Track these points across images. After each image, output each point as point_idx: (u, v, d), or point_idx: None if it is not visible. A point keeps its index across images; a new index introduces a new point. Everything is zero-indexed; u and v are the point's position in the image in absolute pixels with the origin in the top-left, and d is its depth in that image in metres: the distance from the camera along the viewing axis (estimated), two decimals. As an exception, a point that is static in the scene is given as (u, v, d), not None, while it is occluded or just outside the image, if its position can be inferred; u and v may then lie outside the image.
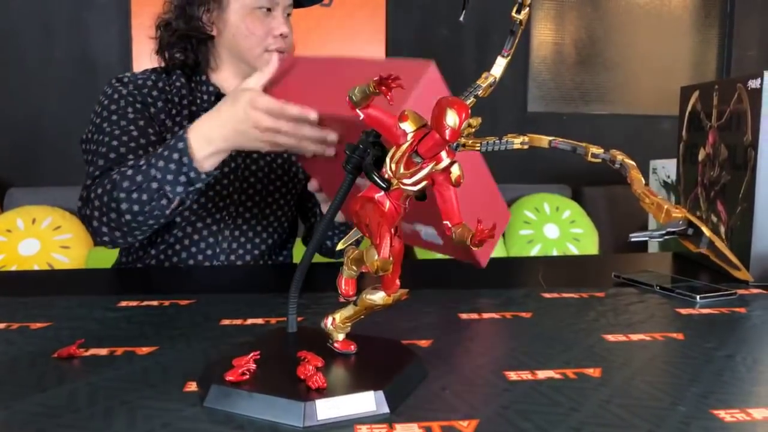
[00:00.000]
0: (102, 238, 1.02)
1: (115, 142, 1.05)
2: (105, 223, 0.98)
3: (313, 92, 0.89)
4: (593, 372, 0.57)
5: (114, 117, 1.08)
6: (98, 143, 1.06)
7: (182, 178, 0.91)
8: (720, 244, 0.47)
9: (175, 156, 0.91)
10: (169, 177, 0.91)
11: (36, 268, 2.09)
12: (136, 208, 0.93)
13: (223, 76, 1.18)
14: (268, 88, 0.92)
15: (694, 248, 0.46)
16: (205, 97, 1.16)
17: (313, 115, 0.84)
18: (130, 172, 0.94)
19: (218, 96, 1.17)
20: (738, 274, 0.52)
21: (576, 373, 0.57)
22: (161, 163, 0.92)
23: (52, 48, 2.47)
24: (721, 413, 0.49)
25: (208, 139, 0.91)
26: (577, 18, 2.99)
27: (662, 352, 0.64)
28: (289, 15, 1.16)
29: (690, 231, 0.45)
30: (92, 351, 0.62)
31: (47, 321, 0.72)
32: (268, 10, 1.13)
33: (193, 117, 1.15)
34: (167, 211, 0.94)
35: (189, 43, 1.14)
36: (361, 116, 0.49)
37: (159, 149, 0.94)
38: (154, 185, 0.92)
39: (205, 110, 1.16)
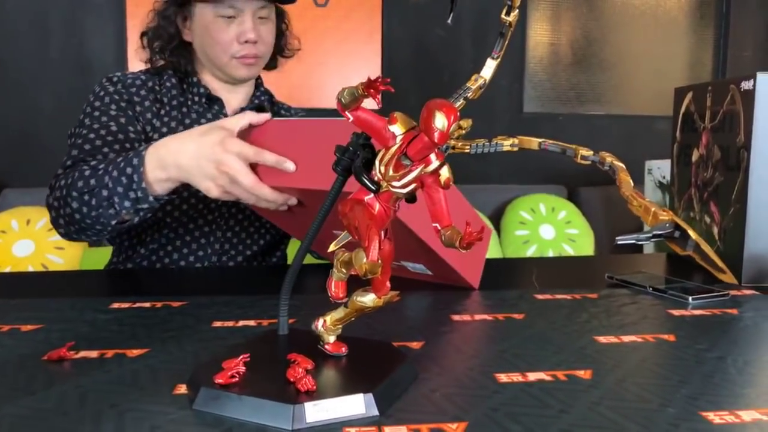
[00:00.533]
0: (58, 230, 1.03)
1: (92, 135, 1.05)
2: (61, 215, 0.98)
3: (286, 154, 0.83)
4: (584, 374, 0.57)
5: (96, 113, 1.09)
6: (77, 136, 1.07)
7: (131, 194, 0.89)
8: (706, 247, 0.47)
9: (128, 171, 0.89)
10: (119, 189, 0.89)
11: (30, 269, 2.08)
12: (84, 210, 0.93)
13: (207, 79, 1.20)
14: (243, 137, 0.86)
15: (680, 251, 0.46)
16: (197, 98, 1.17)
17: (290, 165, 0.80)
18: (88, 172, 0.94)
19: (209, 97, 1.17)
20: (723, 277, 0.52)
21: (566, 375, 0.57)
22: (115, 173, 0.90)
23: (47, 48, 2.46)
24: (710, 415, 0.49)
25: (163, 165, 0.87)
26: (573, 18, 2.99)
27: (653, 354, 0.64)
28: (262, 18, 1.14)
29: (677, 234, 0.45)
30: (83, 353, 0.62)
31: (38, 323, 0.72)
32: (231, 18, 1.11)
33: (183, 117, 1.15)
34: (113, 221, 0.92)
35: (169, 48, 1.16)
36: (350, 118, 0.49)
37: (119, 158, 0.92)
38: (104, 193, 0.90)
39: (196, 111, 1.16)
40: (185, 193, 1.11)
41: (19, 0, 2.41)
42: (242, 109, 1.20)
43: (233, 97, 1.21)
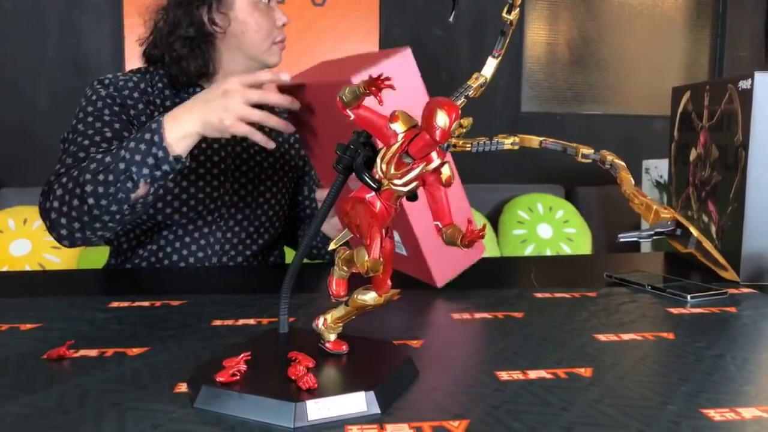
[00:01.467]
0: (59, 231, 0.98)
1: (86, 142, 1.03)
2: (64, 213, 0.95)
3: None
4: (584, 372, 0.57)
5: (90, 119, 1.06)
6: (71, 142, 1.05)
7: (150, 159, 0.89)
8: (708, 245, 0.47)
9: (147, 136, 0.90)
10: (137, 157, 0.89)
11: (27, 268, 2.08)
12: (100, 189, 0.90)
13: (219, 77, 1.16)
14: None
15: (682, 249, 0.46)
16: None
17: (285, 76, 0.90)
18: (100, 155, 0.93)
19: None
20: (725, 275, 0.52)
21: (567, 373, 0.57)
22: (132, 144, 0.91)
23: (44, 48, 2.45)
24: (711, 412, 0.49)
25: (179, 120, 0.91)
26: (571, 18, 3.00)
27: (653, 352, 0.64)
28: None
29: (678, 231, 0.45)
30: (82, 352, 0.62)
31: (37, 322, 0.71)
32: (268, 1, 1.14)
33: None
34: (132, 195, 0.91)
35: (195, 41, 1.11)
36: (352, 117, 0.49)
37: (135, 132, 0.94)
38: (122, 165, 0.90)
39: None
40: (184, 196, 1.11)
41: (15, -1, 2.41)
42: None
43: None
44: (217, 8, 1.11)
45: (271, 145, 0.93)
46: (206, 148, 1.14)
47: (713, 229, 1.04)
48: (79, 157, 1.01)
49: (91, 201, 0.91)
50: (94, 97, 1.09)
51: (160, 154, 0.89)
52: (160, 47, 1.13)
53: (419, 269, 0.88)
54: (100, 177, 0.90)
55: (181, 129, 0.90)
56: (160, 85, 1.14)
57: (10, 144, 2.44)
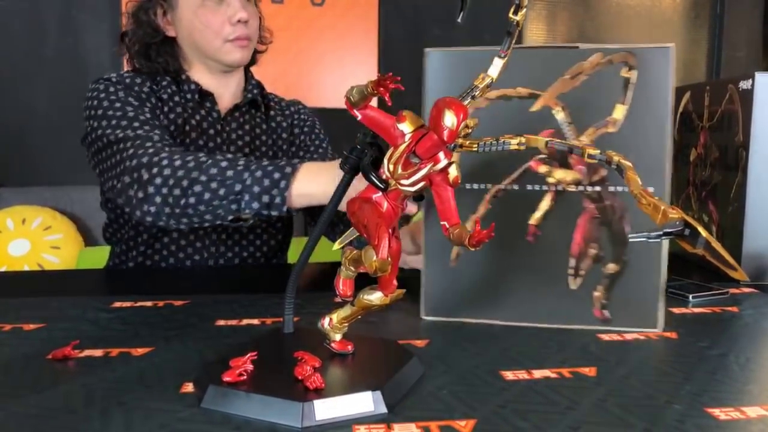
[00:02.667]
0: (149, 207, 0.90)
1: (136, 124, 1.00)
2: (163, 194, 0.89)
3: None
4: (589, 371, 0.58)
5: (117, 104, 1.04)
6: (114, 128, 1.00)
7: (265, 198, 0.85)
8: (716, 245, 0.47)
9: (276, 175, 0.85)
10: (256, 189, 0.85)
11: (26, 268, 2.07)
12: (207, 196, 0.87)
13: (198, 75, 1.17)
14: None
15: (690, 248, 0.46)
16: (189, 96, 1.15)
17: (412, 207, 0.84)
18: (224, 164, 0.88)
19: (200, 93, 1.15)
20: (735, 275, 0.52)
21: (572, 373, 0.57)
22: (259, 173, 0.86)
23: (42, 46, 2.45)
24: (716, 411, 0.50)
25: (315, 177, 0.86)
26: (569, 18, 3.00)
27: (656, 351, 0.64)
28: (248, 0, 1.13)
29: (686, 231, 0.45)
30: (87, 352, 0.62)
31: (40, 322, 0.71)
32: (219, 1, 1.10)
33: (176, 117, 1.13)
34: (229, 217, 0.88)
35: (151, 49, 1.13)
36: (359, 116, 0.49)
37: (264, 161, 0.89)
38: (238, 187, 0.86)
39: (191, 108, 1.14)
40: None
41: (13, -2, 2.40)
42: (236, 106, 1.19)
43: (225, 91, 1.19)
44: (165, 11, 1.13)
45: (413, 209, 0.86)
46: (198, 150, 1.14)
47: (714, 229, 1.05)
48: (154, 138, 0.98)
49: (192, 200, 0.88)
50: (111, 89, 1.07)
51: (277, 200, 0.85)
52: (136, 56, 1.15)
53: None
54: (213, 185, 0.87)
55: (310, 187, 0.85)
56: (164, 83, 1.15)
57: (8, 143, 2.43)
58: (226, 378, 0.50)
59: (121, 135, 0.99)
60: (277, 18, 2.42)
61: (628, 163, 0.46)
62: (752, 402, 0.51)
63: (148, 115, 1.05)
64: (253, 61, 1.24)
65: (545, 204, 0.70)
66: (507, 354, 0.62)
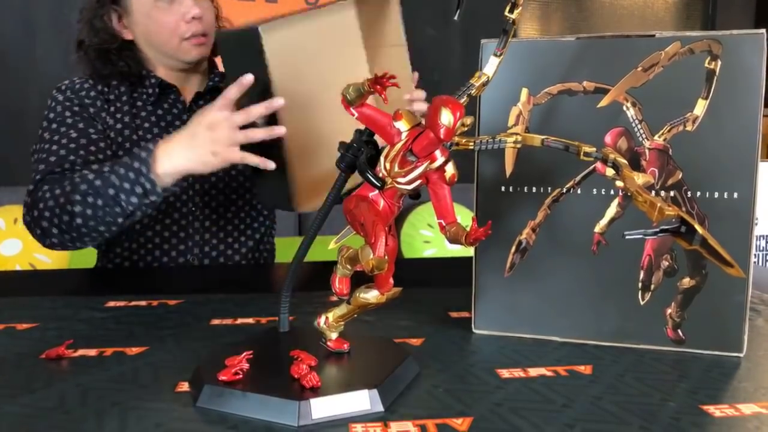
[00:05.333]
0: (50, 240, 0.99)
1: (54, 147, 1.05)
2: (56, 225, 0.96)
3: None
4: (584, 369, 0.58)
5: (54, 125, 1.08)
6: (40, 152, 1.06)
7: (138, 189, 0.90)
8: (713, 241, 0.47)
9: (136, 164, 0.91)
10: (126, 185, 0.91)
11: (18, 268, 2.06)
12: (89, 212, 0.92)
13: (161, 73, 1.17)
14: None
15: (687, 245, 0.46)
16: (150, 90, 1.15)
17: (278, 101, 0.87)
18: (91, 176, 0.94)
19: (161, 85, 1.15)
20: (731, 272, 0.52)
21: (567, 371, 0.57)
22: (122, 171, 0.91)
23: (33, 46, 2.43)
24: (711, 408, 0.50)
25: (169, 154, 0.91)
26: (562, 18, 3.01)
27: (651, 349, 0.64)
28: None
29: (683, 228, 0.45)
30: (81, 352, 0.61)
31: (33, 322, 0.71)
32: (170, 0, 1.09)
33: (138, 111, 1.14)
34: (120, 219, 0.93)
35: (111, 53, 1.13)
36: (355, 115, 0.49)
37: (124, 157, 0.94)
38: (111, 191, 0.91)
39: (151, 103, 1.14)
40: (162, 206, 1.12)
41: (4, -4, 2.38)
42: (198, 93, 1.18)
43: (188, 84, 1.20)
44: (120, 16, 1.13)
45: (270, 165, 0.91)
46: None
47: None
48: (51, 161, 1.03)
49: (79, 221, 0.93)
50: (53, 104, 1.12)
51: (148, 186, 0.90)
52: (95, 62, 1.14)
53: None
54: (90, 199, 0.92)
55: (170, 163, 0.91)
56: (114, 82, 1.15)
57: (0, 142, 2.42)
58: (222, 377, 0.50)
59: (36, 167, 1.04)
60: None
61: (624, 161, 0.46)
62: (747, 399, 0.52)
63: (73, 135, 1.07)
64: (215, 51, 1.23)
65: (612, 210, 0.62)
66: (502, 352, 0.62)
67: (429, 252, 2.42)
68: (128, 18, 1.13)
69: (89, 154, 1.05)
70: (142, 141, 1.12)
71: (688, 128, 0.60)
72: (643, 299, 0.62)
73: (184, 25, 1.10)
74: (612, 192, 0.62)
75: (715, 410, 0.49)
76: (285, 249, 1.43)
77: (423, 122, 0.48)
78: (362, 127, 0.51)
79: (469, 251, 0.65)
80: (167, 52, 1.13)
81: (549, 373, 0.57)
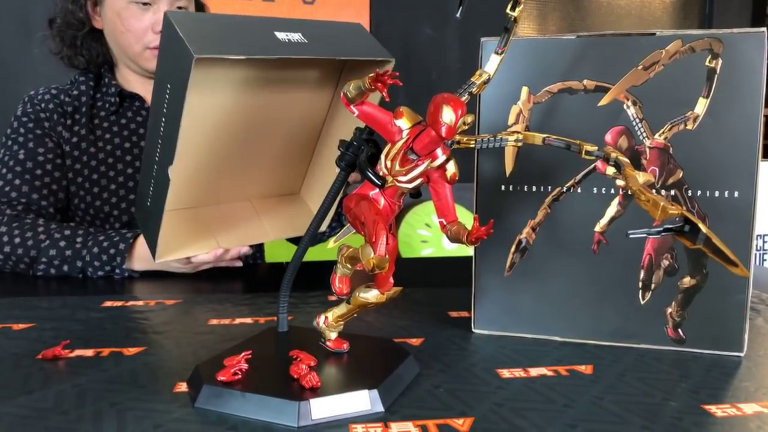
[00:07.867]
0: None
1: (4, 170, 1.07)
2: (10, 267, 0.98)
3: None
4: (585, 369, 0.58)
5: (9, 142, 1.10)
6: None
7: (107, 268, 0.94)
8: (717, 241, 0.47)
9: (112, 251, 0.93)
10: (96, 263, 0.94)
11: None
12: (52, 272, 0.95)
13: (123, 75, 1.16)
14: None
15: (690, 245, 0.46)
16: (112, 99, 1.13)
17: (244, 249, 0.91)
18: (62, 243, 0.95)
19: (121, 95, 1.13)
20: (735, 271, 0.52)
21: (568, 371, 0.57)
22: (96, 250, 0.94)
23: (29, 44, 2.42)
24: (713, 408, 0.49)
25: (143, 259, 0.94)
26: (560, 18, 3.01)
27: (652, 349, 0.64)
28: (180, 8, 1.08)
29: (686, 227, 0.45)
30: (78, 352, 0.61)
31: (29, 322, 0.70)
32: (146, 5, 1.07)
33: (92, 120, 1.13)
34: (80, 275, 0.96)
35: (78, 39, 1.13)
36: (356, 113, 0.48)
37: (100, 236, 0.95)
38: (79, 264, 0.94)
39: (110, 111, 1.13)
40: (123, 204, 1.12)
41: (0, -6, 2.37)
42: None
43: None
44: (93, 4, 1.12)
45: (237, 264, 0.99)
46: (126, 153, 1.13)
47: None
48: (5, 191, 1.04)
49: (40, 273, 0.96)
50: (13, 118, 1.13)
51: (117, 270, 0.94)
52: (62, 45, 1.15)
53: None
54: (56, 262, 0.94)
55: (142, 265, 0.94)
56: (76, 92, 1.14)
57: (-6, 142, 2.41)
58: (221, 377, 0.49)
59: None
60: (268, 16, 2.40)
61: (626, 160, 0.45)
62: (749, 399, 0.51)
63: (21, 156, 1.08)
64: None
65: (612, 209, 0.61)
66: (503, 352, 0.62)
67: (427, 251, 2.41)
68: (100, 8, 1.12)
69: (35, 179, 1.06)
70: (100, 153, 1.11)
71: (689, 127, 0.60)
72: (643, 299, 0.62)
73: (152, 34, 1.08)
74: (612, 191, 0.62)
75: (717, 410, 0.49)
76: (276, 249, 1.43)
77: (424, 120, 0.47)
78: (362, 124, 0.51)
79: (468, 250, 0.65)
80: (128, 56, 1.12)
81: (550, 373, 0.56)
